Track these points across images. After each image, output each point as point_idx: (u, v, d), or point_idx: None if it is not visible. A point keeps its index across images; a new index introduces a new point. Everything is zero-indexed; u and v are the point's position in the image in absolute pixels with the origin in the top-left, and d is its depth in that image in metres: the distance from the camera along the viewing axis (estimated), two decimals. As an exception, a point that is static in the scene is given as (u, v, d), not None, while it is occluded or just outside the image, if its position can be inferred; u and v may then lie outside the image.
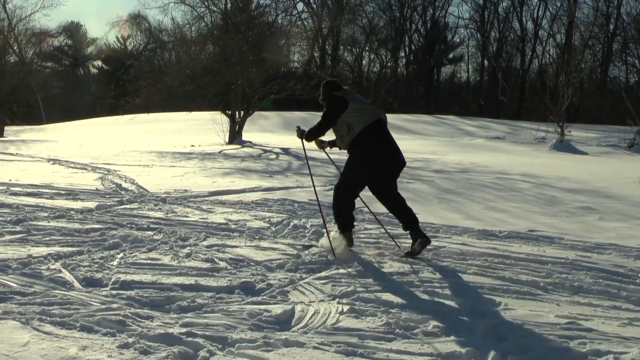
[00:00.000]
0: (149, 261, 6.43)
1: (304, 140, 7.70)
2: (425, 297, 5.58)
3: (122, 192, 11.08)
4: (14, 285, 5.44)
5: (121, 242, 7.16)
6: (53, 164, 15.98)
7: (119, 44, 73.84)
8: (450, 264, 6.72)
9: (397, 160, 7.21)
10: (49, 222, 8.21)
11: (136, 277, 5.81)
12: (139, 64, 65.16)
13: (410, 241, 7.20)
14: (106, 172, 13.94)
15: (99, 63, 76.95)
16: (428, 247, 7.27)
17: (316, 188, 8.45)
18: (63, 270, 5.94)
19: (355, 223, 7.53)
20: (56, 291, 5.33)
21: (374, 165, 7.14)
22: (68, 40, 73.61)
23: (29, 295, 5.19)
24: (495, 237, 8.26)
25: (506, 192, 12.63)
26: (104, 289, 5.47)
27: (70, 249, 6.80)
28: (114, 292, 5.38)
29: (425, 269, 6.48)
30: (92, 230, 7.73)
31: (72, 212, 8.90)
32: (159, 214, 9.11)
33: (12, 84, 50.19)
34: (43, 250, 6.67)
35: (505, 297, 5.59)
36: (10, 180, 12.19)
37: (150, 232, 7.79)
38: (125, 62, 66.85)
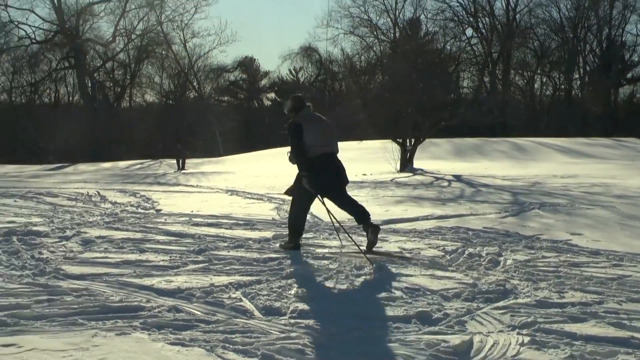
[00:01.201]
0: (323, 291, 6.51)
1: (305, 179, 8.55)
2: (612, 329, 5.32)
3: (297, 222, 11.29)
4: (199, 313, 5.66)
5: (298, 271, 7.29)
6: (231, 194, 16.54)
7: (291, 76, 75.89)
8: (638, 295, 6.38)
9: (340, 177, 8.73)
10: (228, 251, 8.49)
11: (312, 307, 5.89)
12: (310, 95, 66.67)
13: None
14: (281, 202, 14.25)
15: (272, 95, 79.36)
16: (612, 276, 7.01)
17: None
18: (243, 299, 6.11)
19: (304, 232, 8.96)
20: (237, 319, 5.48)
21: (323, 183, 8.52)
22: (243, 75, 76.37)
23: (212, 323, 5.37)
24: (686, 266, 7.78)
25: (696, 218, 11.91)
26: (283, 317, 5.57)
27: (249, 278, 6.98)
28: (292, 320, 5.47)
29: (610, 299, 6.19)
30: (270, 260, 7.91)
31: (250, 242, 9.16)
32: (333, 243, 9.21)
33: (192, 118, 52.64)
34: (224, 279, 6.89)
35: (701, 331, 5.25)
36: (192, 211, 12.71)
37: (325, 261, 7.89)
38: (298, 93, 68.61)
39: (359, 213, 8.63)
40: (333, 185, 8.68)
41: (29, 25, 56.12)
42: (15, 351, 4.70)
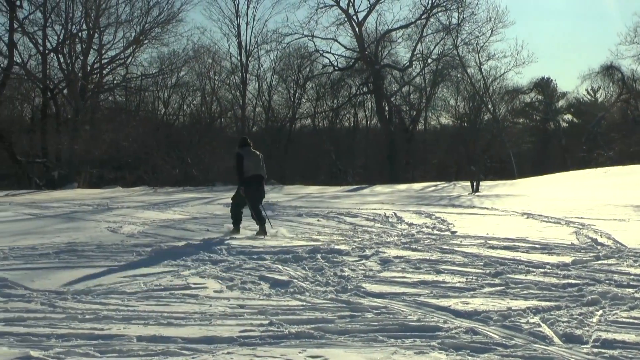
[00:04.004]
0: (630, 320, 6.18)
1: (242, 188, 13.63)
2: None
3: (598, 247, 10.81)
4: (496, 336, 5.62)
5: (600, 298, 6.98)
6: (527, 217, 16.20)
7: (589, 97, 72.98)
8: None
9: (259, 193, 13.66)
10: (525, 275, 8.34)
11: (618, 337, 5.61)
12: (610, 115, 63.63)
13: None
14: (580, 227, 13.73)
15: (569, 117, 76.84)
16: None
17: None
18: (542, 324, 5.98)
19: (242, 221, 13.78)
20: (536, 345, 5.37)
21: (250, 193, 13.44)
22: (539, 96, 74.61)
23: (510, 347, 5.31)
24: None
25: None
26: (585, 346, 5.38)
27: (548, 303, 6.82)
28: (595, 350, 5.26)
29: None
30: (569, 286, 7.66)
31: (547, 267, 8.93)
32: (637, 271, 8.70)
33: (487, 140, 52.47)
34: (521, 304, 6.79)
35: None
36: (487, 233, 12.63)
37: (630, 290, 7.47)
38: (597, 114, 65.79)
39: (261, 219, 13.31)
40: (254, 195, 13.46)
41: (332, 54, 58.58)
42: (323, 363, 4.98)
